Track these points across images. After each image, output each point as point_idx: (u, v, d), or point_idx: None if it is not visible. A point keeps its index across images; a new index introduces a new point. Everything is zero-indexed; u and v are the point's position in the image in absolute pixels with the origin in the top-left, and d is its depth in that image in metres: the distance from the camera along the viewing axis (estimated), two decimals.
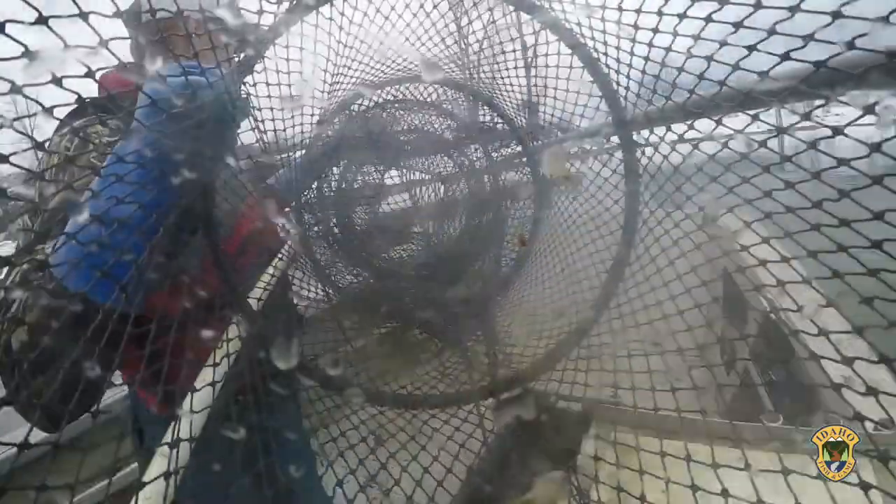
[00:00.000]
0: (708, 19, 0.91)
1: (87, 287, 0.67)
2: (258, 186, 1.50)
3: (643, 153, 1.13)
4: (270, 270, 1.24)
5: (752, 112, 0.89)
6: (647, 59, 1.03)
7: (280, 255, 1.34)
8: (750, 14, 0.85)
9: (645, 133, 1.14)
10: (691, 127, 1.03)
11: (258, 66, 1.06)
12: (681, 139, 1.05)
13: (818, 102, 0.79)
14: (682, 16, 0.95)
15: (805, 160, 0.83)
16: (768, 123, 0.86)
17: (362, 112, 1.94)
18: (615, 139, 1.18)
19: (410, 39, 1.49)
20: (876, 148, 0.72)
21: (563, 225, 1.57)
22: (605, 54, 1.11)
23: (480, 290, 2.03)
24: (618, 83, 1.12)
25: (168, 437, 0.68)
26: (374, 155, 2.34)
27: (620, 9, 0.99)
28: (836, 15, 0.74)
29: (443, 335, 1.94)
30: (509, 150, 2.06)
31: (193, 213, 0.95)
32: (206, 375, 0.86)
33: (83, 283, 0.67)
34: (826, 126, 0.78)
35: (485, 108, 1.88)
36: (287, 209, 1.64)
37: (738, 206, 0.94)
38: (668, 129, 1.08)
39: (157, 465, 0.66)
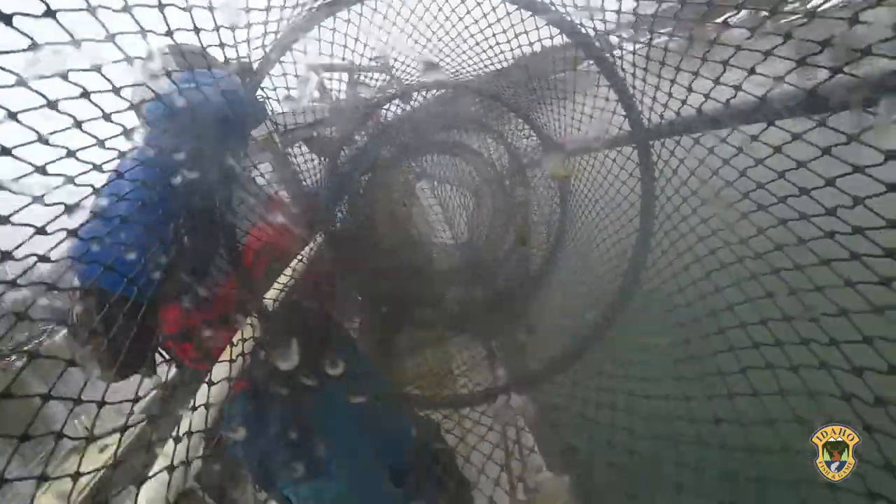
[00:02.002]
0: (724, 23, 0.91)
1: (97, 279, 0.72)
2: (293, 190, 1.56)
3: (659, 156, 1.13)
4: (289, 272, 1.28)
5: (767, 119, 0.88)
6: (663, 63, 1.03)
7: (300, 257, 1.38)
8: (766, 18, 0.84)
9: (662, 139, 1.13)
10: (707, 133, 1.02)
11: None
12: (697, 142, 1.05)
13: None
14: (698, 20, 0.95)
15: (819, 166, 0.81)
16: (784, 129, 0.85)
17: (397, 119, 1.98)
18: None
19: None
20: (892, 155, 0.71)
21: (584, 228, 1.58)
22: (622, 58, 1.11)
23: (508, 290, 2.06)
24: (633, 86, 1.11)
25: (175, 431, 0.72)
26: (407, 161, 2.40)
27: (636, 14, 0.99)
28: (853, 21, 0.73)
29: (468, 332, 1.98)
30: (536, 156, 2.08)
31: (211, 221, 1.00)
32: (221, 370, 0.89)
33: (89, 276, 0.72)
34: (841, 132, 0.76)
35: (512, 115, 1.89)
36: (315, 211, 1.68)
37: (752, 211, 0.93)
38: (683, 135, 1.08)
39: (161, 460, 0.69)
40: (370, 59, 1.54)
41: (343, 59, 1.49)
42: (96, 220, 0.72)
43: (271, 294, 1.11)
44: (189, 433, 0.73)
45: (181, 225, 0.85)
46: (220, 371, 0.84)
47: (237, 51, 0.95)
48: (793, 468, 0.82)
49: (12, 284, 0.55)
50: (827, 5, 0.77)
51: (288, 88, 1.28)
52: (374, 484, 1.23)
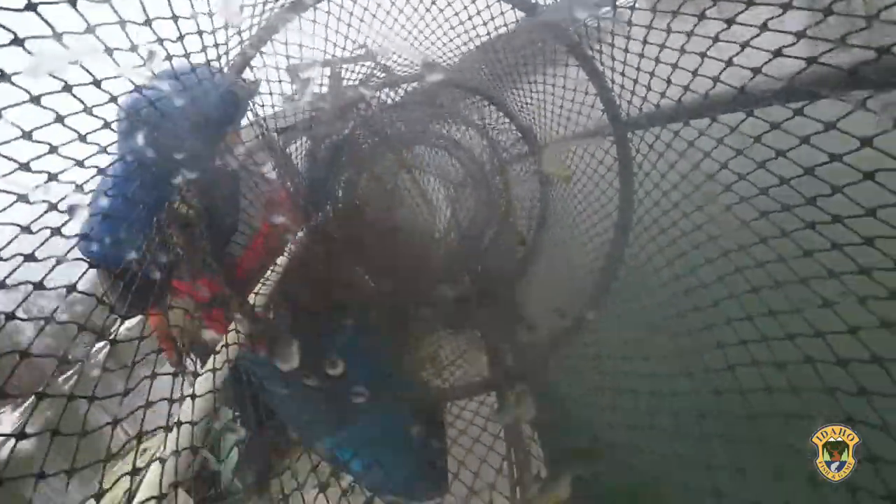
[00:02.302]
0: (702, 15, 0.91)
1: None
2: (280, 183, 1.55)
3: (638, 150, 1.13)
4: (273, 268, 1.25)
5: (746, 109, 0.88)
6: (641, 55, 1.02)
7: (285, 252, 1.35)
8: (742, 11, 0.84)
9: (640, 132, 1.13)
10: (687, 124, 1.02)
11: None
12: (677, 136, 1.05)
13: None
14: (675, 12, 0.95)
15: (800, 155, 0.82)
16: (763, 120, 0.85)
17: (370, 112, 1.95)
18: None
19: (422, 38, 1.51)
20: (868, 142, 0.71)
21: (564, 223, 1.58)
22: (600, 51, 1.10)
23: (492, 282, 2.08)
24: (612, 80, 1.11)
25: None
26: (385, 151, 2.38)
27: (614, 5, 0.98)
28: (828, 12, 0.73)
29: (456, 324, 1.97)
30: (517, 150, 2.08)
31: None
32: (206, 384, 0.87)
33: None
34: (819, 121, 0.77)
35: (493, 108, 1.88)
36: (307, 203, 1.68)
37: (735, 203, 0.94)
38: (664, 127, 1.07)
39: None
40: (353, 50, 1.52)
41: (325, 52, 1.47)
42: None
43: (256, 290, 1.10)
44: (178, 423, 0.73)
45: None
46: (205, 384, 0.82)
47: (215, 37, 0.92)
48: None
49: None
50: None
51: (269, 82, 1.26)
52: (399, 432, 1.36)
